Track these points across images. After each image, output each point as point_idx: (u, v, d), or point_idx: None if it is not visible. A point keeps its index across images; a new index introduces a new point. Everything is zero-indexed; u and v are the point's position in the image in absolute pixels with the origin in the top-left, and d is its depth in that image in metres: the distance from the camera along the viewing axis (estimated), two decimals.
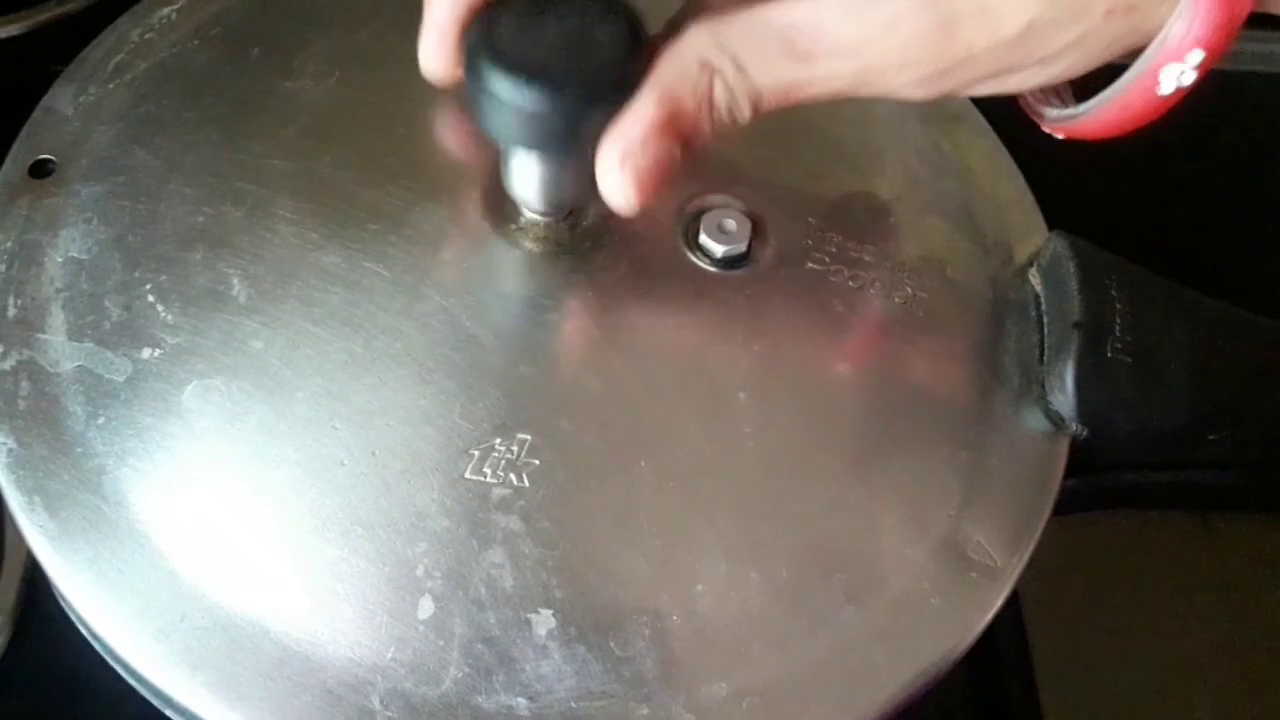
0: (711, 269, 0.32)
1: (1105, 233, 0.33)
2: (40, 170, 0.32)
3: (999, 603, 0.29)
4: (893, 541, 0.29)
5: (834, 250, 0.33)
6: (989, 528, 0.30)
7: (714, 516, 0.29)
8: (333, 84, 0.33)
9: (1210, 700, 0.46)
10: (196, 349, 0.29)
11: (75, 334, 0.29)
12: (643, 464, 0.29)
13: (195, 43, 0.34)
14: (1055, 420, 0.31)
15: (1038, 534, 0.30)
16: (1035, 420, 0.31)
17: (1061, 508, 0.31)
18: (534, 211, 0.31)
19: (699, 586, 0.28)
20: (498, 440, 0.29)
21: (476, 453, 0.28)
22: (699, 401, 0.30)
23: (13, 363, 0.29)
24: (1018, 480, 0.31)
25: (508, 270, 0.31)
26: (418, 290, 0.30)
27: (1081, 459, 0.31)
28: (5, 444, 0.28)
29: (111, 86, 0.33)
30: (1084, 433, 0.30)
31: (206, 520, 0.28)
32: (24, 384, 0.29)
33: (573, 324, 0.31)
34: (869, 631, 0.28)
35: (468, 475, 0.28)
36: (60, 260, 0.30)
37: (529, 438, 0.29)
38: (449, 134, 0.33)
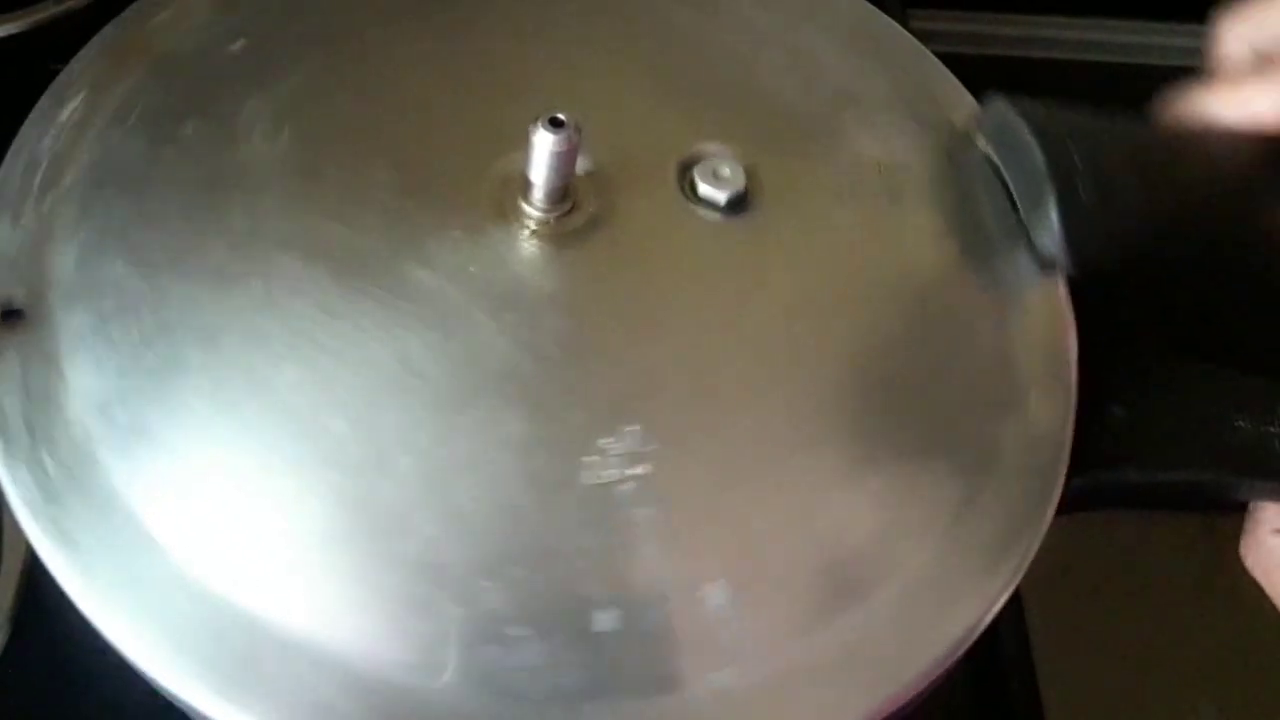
0: (721, 218, 0.32)
1: None
2: (6, 316, 0.29)
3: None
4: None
5: (814, 169, 0.33)
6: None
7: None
8: (287, 138, 0.32)
9: (1212, 700, 0.46)
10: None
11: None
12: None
13: (117, 136, 0.32)
14: (1045, 262, 0.32)
15: (1044, 527, 0.30)
16: (1029, 276, 0.33)
17: (1064, 508, 0.31)
18: (542, 209, 0.31)
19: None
20: (610, 439, 0.28)
21: (593, 458, 0.28)
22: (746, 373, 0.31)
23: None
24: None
25: (538, 275, 0.31)
26: (469, 319, 0.30)
27: (1089, 458, 0.32)
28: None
29: (46, 208, 0.31)
30: (1071, 266, 0.32)
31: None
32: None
33: (618, 312, 0.31)
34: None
35: (588, 482, 0.28)
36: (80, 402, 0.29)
37: (637, 428, 0.29)
38: (426, 154, 0.32)
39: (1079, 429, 0.32)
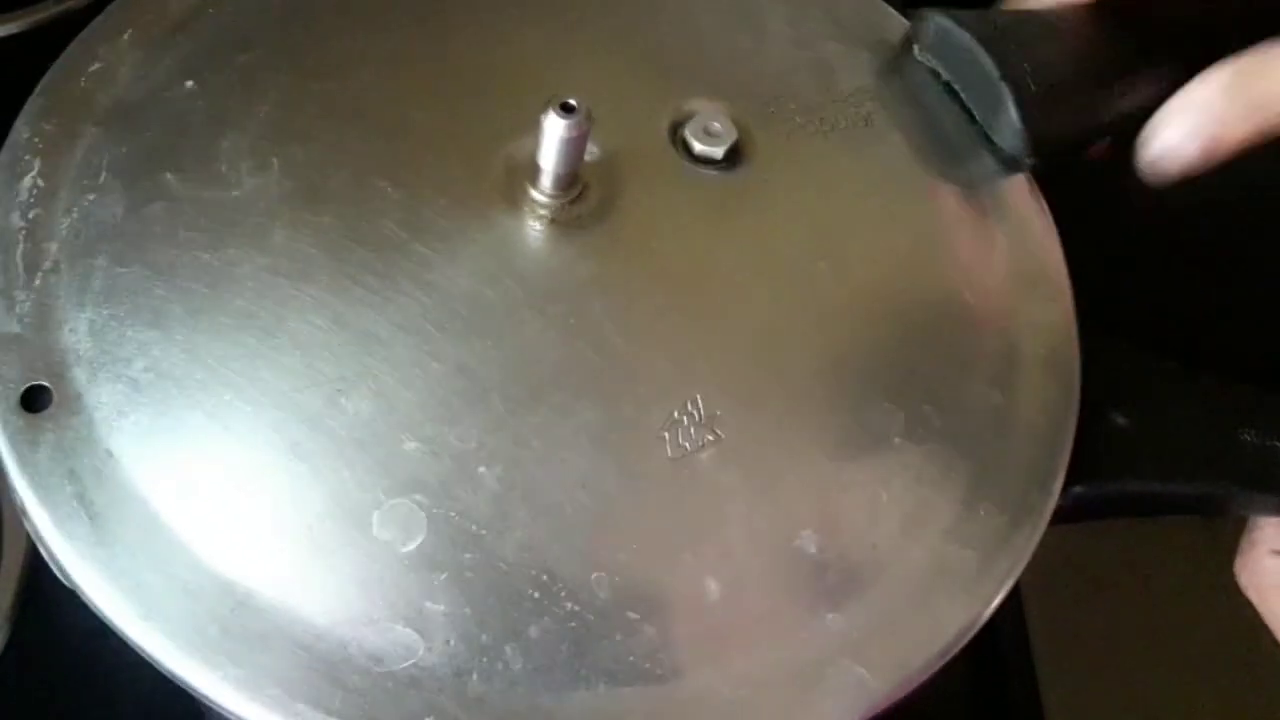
0: (722, 175, 0.32)
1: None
2: (35, 402, 0.28)
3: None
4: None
5: (793, 113, 0.34)
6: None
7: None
8: (278, 169, 0.31)
9: (1212, 701, 0.46)
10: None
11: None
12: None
13: (91, 200, 0.30)
14: (1009, 161, 0.34)
15: (1045, 519, 0.30)
16: (999, 176, 0.34)
17: (1066, 517, 0.31)
18: (555, 196, 0.31)
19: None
20: (681, 410, 0.29)
21: (669, 432, 0.29)
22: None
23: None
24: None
25: (568, 263, 0.31)
26: (516, 318, 0.29)
27: (1090, 466, 0.32)
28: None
29: (40, 286, 0.29)
30: (1035, 159, 0.33)
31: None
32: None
33: (654, 285, 0.31)
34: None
35: (670, 456, 0.28)
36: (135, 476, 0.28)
37: (705, 394, 0.29)
38: (422, 158, 0.32)
39: (1080, 438, 0.32)
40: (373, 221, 0.30)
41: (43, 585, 0.36)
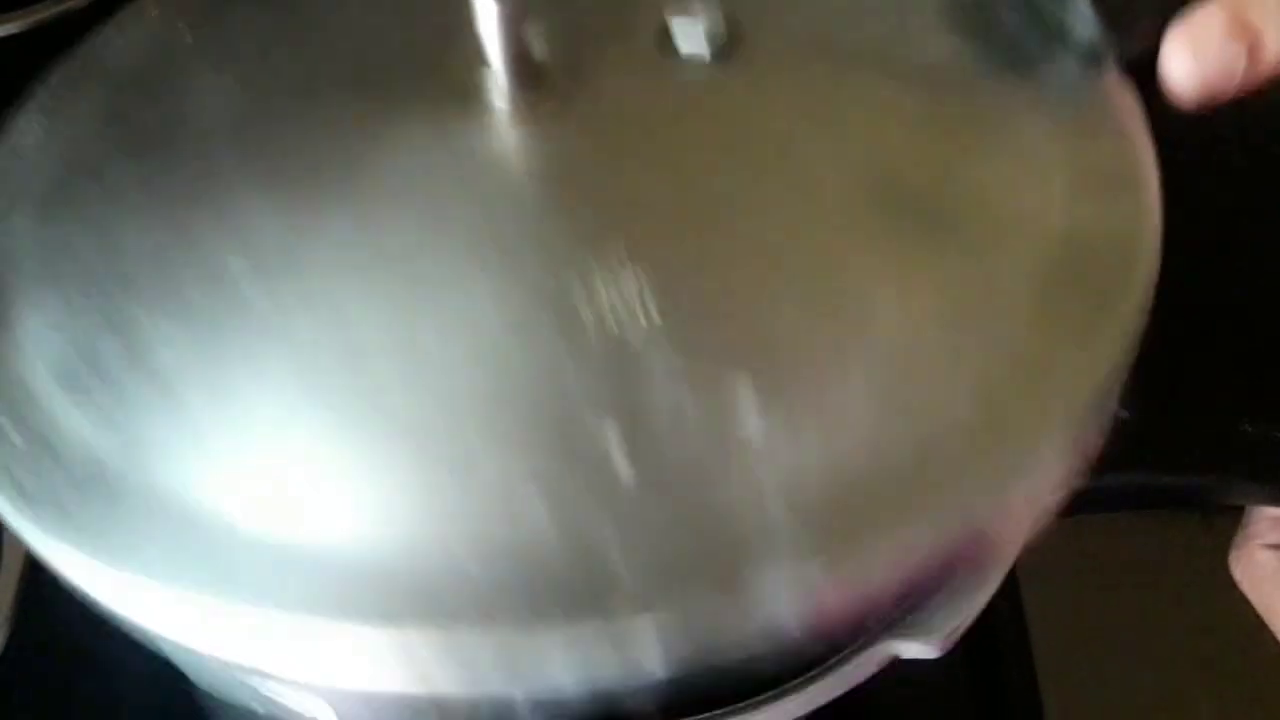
0: (709, 70, 0.30)
1: None
2: None
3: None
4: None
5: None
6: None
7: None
8: (239, 101, 0.31)
9: (1212, 699, 0.46)
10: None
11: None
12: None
13: (81, 148, 0.32)
14: (1085, 56, 0.31)
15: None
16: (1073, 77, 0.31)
17: (1068, 510, 0.31)
18: (509, 88, 0.29)
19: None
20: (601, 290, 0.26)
21: (587, 310, 0.26)
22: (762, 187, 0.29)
23: None
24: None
25: (522, 157, 0.29)
26: (448, 210, 0.29)
27: (1094, 460, 0.32)
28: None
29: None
30: (1117, 48, 0.30)
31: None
32: None
33: (610, 172, 0.29)
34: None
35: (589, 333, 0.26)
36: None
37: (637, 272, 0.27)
38: (381, 79, 0.31)
39: None
40: (316, 138, 0.30)
41: (43, 585, 0.36)
